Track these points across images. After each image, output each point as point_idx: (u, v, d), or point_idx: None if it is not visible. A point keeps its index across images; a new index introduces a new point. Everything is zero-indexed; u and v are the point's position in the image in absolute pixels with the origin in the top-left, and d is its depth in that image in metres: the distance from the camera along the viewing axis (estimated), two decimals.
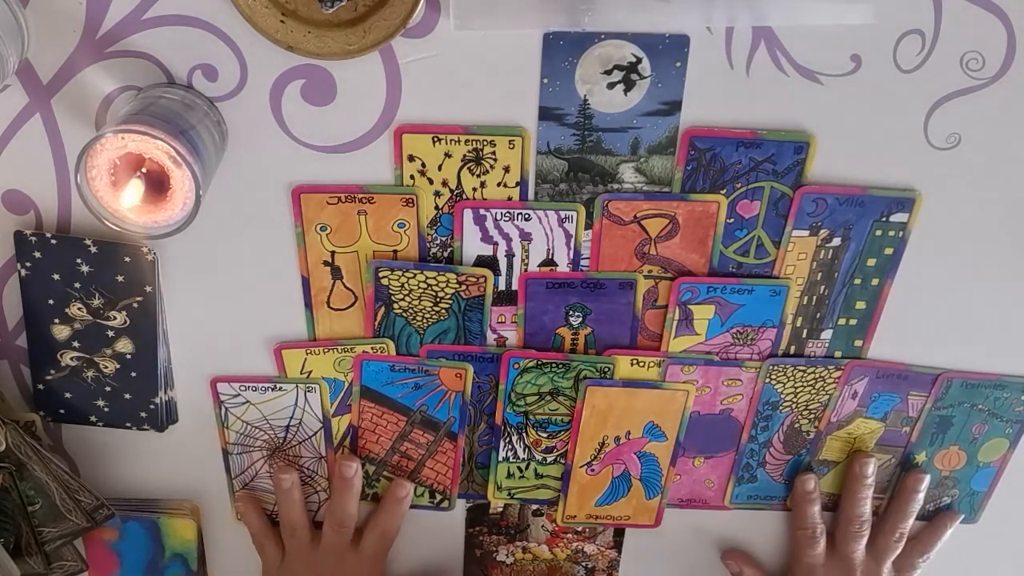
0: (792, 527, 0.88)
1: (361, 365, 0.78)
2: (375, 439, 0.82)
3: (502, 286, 0.76)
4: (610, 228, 0.73)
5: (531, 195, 0.72)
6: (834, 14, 0.66)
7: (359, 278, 0.75)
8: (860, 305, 0.78)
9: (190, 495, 0.85)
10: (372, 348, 0.77)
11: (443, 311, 0.76)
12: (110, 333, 0.74)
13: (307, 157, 0.69)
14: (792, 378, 0.81)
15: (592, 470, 0.85)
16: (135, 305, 0.73)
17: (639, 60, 0.67)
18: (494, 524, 0.89)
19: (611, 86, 0.68)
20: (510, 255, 0.74)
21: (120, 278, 0.72)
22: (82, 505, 0.77)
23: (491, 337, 0.78)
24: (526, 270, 0.75)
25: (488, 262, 0.74)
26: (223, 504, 0.86)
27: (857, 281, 0.77)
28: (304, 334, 0.77)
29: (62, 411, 0.79)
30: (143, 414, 0.79)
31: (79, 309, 0.73)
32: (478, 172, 0.71)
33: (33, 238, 0.71)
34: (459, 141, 0.69)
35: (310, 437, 0.82)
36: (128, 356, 0.76)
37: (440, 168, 0.70)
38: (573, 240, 0.74)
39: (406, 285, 0.75)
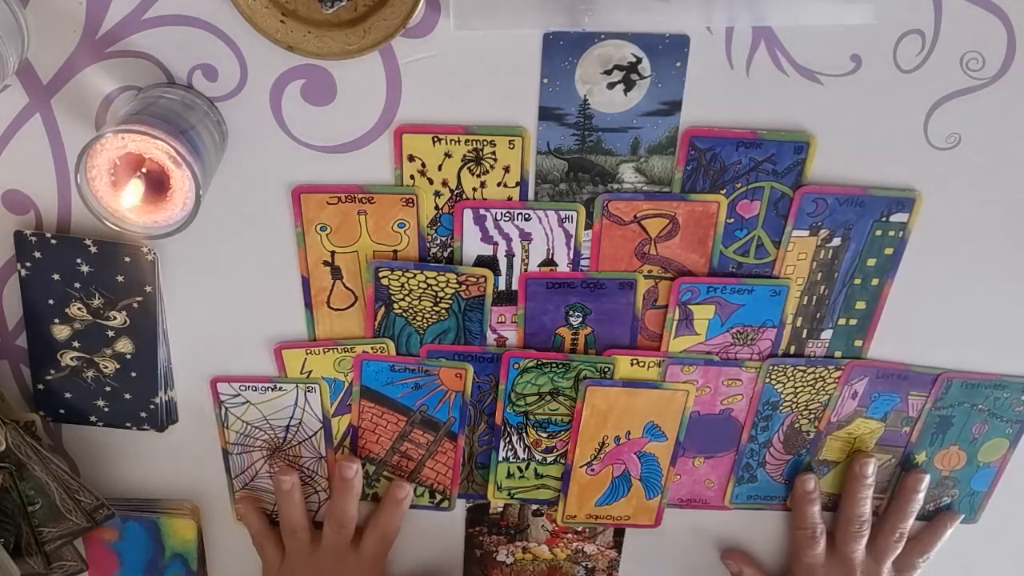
0: (792, 527, 0.88)
1: (361, 365, 0.78)
2: (375, 439, 0.82)
3: (502, 286, 0.76)
4: (610, 228, 0.73)
5: (531, 195, 0.72)
6: (834, 14, 0.66)
7: (359, 278, 0.75)
8: (860, 305, 0.78)
9: (190, 495, 0.85)
10: (372, 348, 0.77)
11: (443, 311, 0.76)
12: (110, 333, 0.74)
13: (307, 157, 0.69)
14: (792, 378, 0.81)
15: (592, 470, 0.85)
16: (135, 305, 0.73)
17: (639, 60, 0.67)
18: (494, 524, 0.89)
19: (611, 86, 0.68)
20: (510, 255, 0.74)
21: (120, 278, 0.72)
22: (82, 505, 0.77)
23: (491, 337, 0.78)
24: (526, 270, 0.75)
25: (488, 262, 0.74)
26: (223, 504, 0.86)
27: (857, 281, 0.77)
28: (304, 334, 0.77)
29: (62, 411, 0.79)
30: (143, 414, 0.79)
31: (79, 309, 0.73)
32: (478, 172, 0.70)
33: (33, 238, 0.71)
34: (459, 141, 0.69)
35: (310, 437, 0.82)
36: (128, 356, 0.76)
37: (440, 168, 0.70)
38: (573, 240, 0.74)
39: (406, 285, 0.75)
